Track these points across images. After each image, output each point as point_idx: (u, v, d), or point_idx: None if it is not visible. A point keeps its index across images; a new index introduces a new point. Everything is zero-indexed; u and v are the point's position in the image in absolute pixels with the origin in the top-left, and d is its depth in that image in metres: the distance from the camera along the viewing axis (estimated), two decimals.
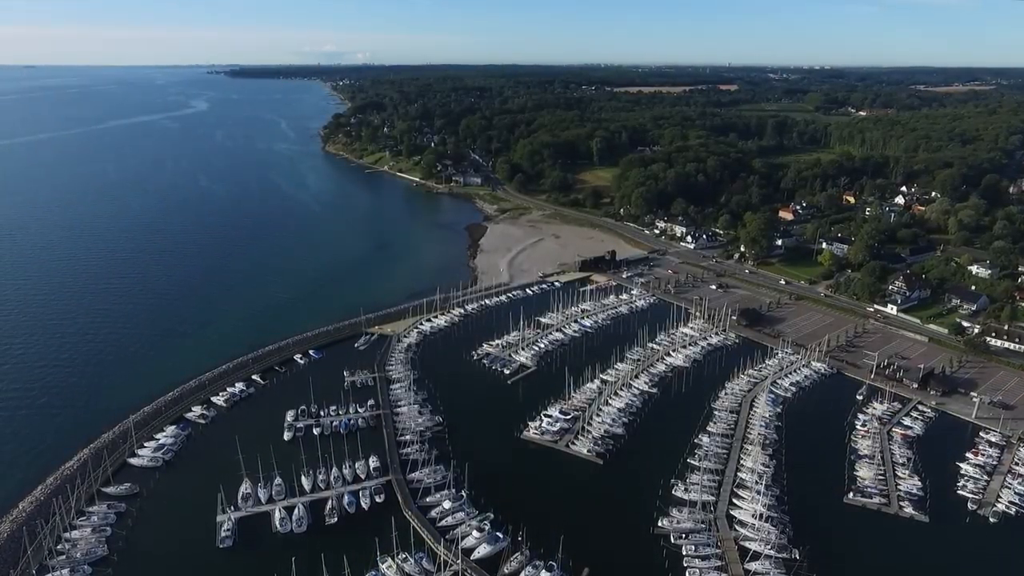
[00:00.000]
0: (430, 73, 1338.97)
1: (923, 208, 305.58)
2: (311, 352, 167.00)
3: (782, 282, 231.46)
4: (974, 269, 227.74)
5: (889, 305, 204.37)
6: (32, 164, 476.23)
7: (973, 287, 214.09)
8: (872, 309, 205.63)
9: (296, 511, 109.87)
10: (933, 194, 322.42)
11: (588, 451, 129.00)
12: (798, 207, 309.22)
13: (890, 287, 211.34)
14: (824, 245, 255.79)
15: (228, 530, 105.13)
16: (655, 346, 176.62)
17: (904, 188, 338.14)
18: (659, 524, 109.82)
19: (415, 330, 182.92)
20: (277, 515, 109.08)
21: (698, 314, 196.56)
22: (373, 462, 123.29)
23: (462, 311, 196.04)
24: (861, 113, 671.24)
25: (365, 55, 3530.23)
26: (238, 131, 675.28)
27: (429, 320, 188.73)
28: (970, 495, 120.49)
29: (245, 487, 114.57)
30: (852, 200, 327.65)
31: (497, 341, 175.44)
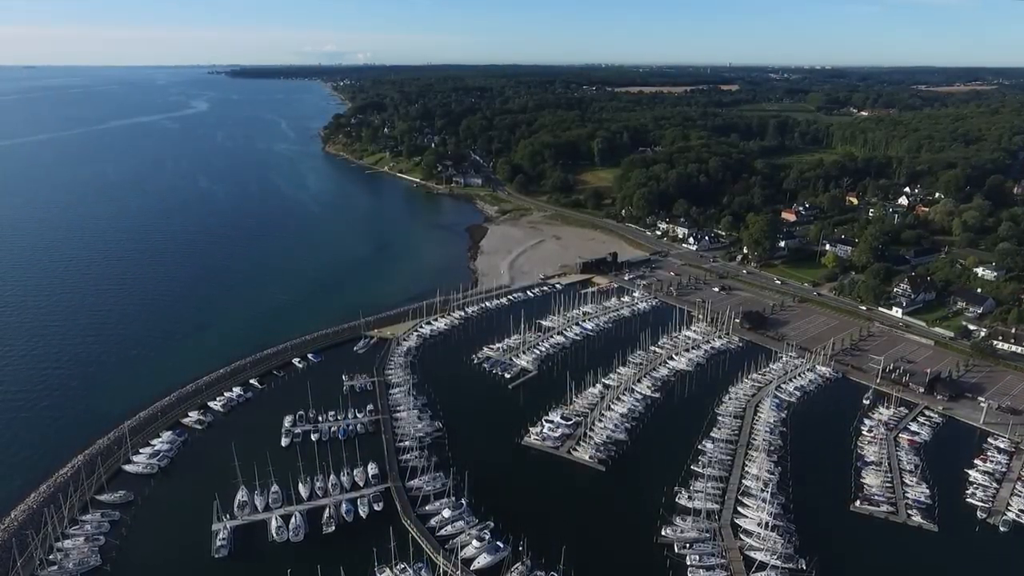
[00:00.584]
0: (430, 73, 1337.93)
1: (927, 209, 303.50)
2: (310, 356, 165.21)
3: (777, 282, 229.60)
4: (980, 271, 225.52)
5: (894, 308, 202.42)
6: (32, 165, 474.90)
7: (979, 289, 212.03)
8: (866, 309, 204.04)
9: (293, 519, 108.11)
10: (937, 195, 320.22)
11: (590, 457, 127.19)
12: (801, 208, 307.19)
13: (895, 289, 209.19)
14: (828, 247, 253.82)
15: (224, 539, 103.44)
16: (657, 350, 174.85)
17: (907, 189, 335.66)
18: (663, 533, 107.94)
19: (415, 333, 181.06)
20: (274, 523, 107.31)
21: (701, 317, 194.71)
22: (372, 469, 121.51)
23: (462, 313, 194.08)
24: (863, 113, 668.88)
25: (366, 55, 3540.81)
26: (238, 131, 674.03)
27: (429, 323, 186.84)
28: (979, 503, 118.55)
29: (241, 495, 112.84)
30: (855, 201, 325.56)
31: (498, 344, 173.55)
